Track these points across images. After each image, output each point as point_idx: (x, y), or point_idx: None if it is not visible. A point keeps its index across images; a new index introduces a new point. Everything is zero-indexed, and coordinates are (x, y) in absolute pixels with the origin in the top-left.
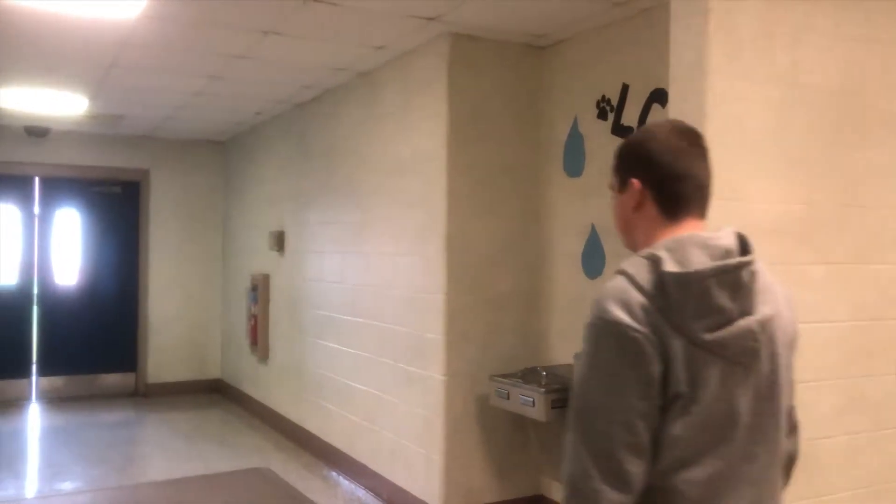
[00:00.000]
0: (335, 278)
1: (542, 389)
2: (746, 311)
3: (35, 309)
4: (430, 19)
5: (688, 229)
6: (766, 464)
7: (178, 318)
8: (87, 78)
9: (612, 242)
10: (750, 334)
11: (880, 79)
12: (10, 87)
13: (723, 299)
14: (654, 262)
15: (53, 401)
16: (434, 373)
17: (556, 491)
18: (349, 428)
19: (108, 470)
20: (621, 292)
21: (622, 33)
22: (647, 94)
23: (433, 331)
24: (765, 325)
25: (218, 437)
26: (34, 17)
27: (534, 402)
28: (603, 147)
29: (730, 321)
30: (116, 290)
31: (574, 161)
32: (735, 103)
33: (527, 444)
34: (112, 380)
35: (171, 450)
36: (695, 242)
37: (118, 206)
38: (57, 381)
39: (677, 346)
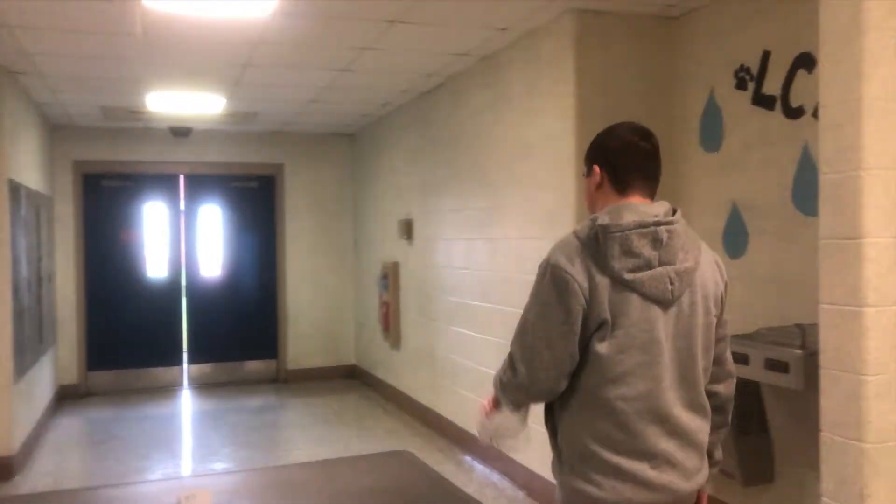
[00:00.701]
0: (463, 264)
1: None
2: (667, 262)
3: (184, 300)
4: None
5: (632, 200)
6: (688, 384)
7: (314, 307)
8: (224, 78)
9: (756, 219)
10: (665, 279)
11: None
12: (157, 91)
13: (643, 248)
14: (594, 220)
15: (202, 386)
16: None
17: None
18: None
19: (254, 452)
20: (565, 243)
21: None
22: (791, 60)
23: None
24: (682, 274)
25: (355, 422)
26: (177, 22)
27: None
28: (743, 119)
29: (649, 266)
30: (256, 280)
31: (711, 135)
32: None
33: None
34: (254, 366)
35: (312, 433)
36: (629, 208)
37: (255, 199)
38: (205, 368)
39: (603, 282)
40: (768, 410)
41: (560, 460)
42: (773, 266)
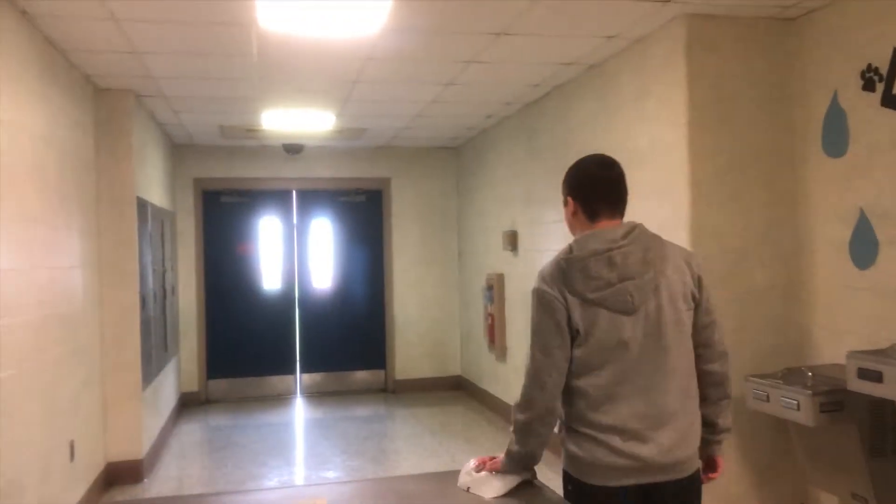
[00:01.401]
0: None
1: (809, 391)
2: (627, 278)
3: (297, 311)
4: (665, 2)
5: (600, 227)
6: (660, 372)
7: (420, 318)
8: (334, 95)
9: (887, 228)
10: (625, 293)
11: None
12: (271, 109)
13: (601, 271)
14: (566, 250)
15: (313, 395)
16: None
17: (827, 502)
18: None
19: (364, 461)
20: (546, 271)
21: None
22: None
23: None
24: (642, 286)
25: (462, 433)
26: (290, 43)
27: (798, 404)
28: (871, 122)
29: (609, 285)
30: (364, 292)
31: (835, 139)
32: None
33: (790, 450)
34: (363, 376)
35: (419, 444)
36: (593, 237)
37: (363, 213)
38: (316, 377)
39: (574, 301)
40: None
41: (562, 433)
42: None
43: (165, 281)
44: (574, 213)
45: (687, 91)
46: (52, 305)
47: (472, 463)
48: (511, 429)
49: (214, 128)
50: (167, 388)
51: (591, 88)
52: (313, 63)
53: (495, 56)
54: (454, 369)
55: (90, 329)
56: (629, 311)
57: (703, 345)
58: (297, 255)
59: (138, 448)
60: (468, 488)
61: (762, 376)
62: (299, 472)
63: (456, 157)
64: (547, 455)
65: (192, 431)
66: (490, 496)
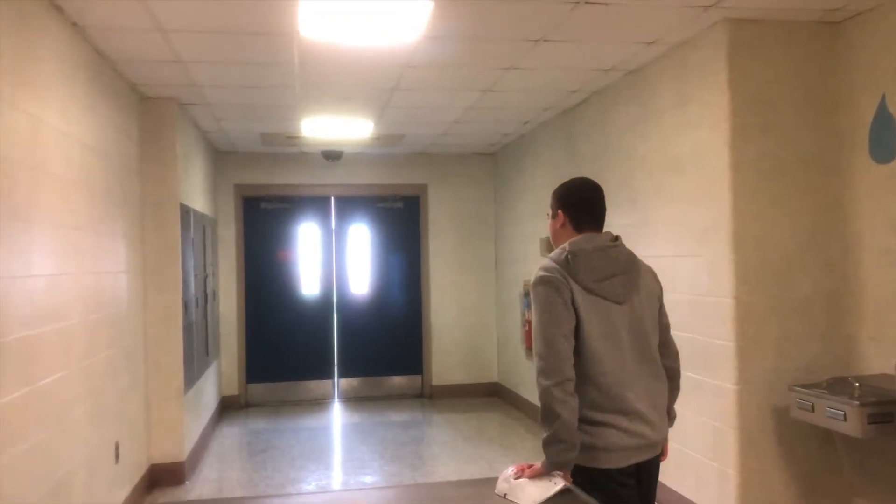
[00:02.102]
0: None
1: (856, 402)
2: (619, 273)
3: (335, 317)
4: (707, 7)
5: (587, 234)
6: (645, 360)
7: (457, 324)
8: (373, 102)
9: None
10: (618, 285)
11: None
12: (312, 117)
13: (601, 264)
14: (564, 249)
15: (351, 399)
16: (724, 381)
17: None
18: None
19: (402, 467)
20: (546, 266)
21: None
22: None
23: (721, 336)
24: (629, 281)
25: (499, 440)
26: (330, 51)
27: (845, 415)
28: None
29: (606, 277)
30: (402, 297)
31: (883, 144)
32: None
33: (836, 462)
34: (400, 381)
35: (456, 450)
36: (588, 239)
37: (400, 219)
38: (353, 382)
39: (577, 289)
40: None
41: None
42: None
43: (207, 286)
44: (562, 225)
45: (729, 96)
46: (99, 309)
47: (511, 470)
48: (540, 417)
49: (255, 135)
50: (208, 392)
51: (631, 94)
52: (353, 71)
53: (534, 62)
54: (491, 376)
55: (135, 333)
56: (620, 301)
57: (662, 343)
58: (335, 260)
59: (180, 450)
60: (505, 495)
61: (807, 386)
62: (337, 477)
63: (493, 162)
64: None
65: (232, 434)
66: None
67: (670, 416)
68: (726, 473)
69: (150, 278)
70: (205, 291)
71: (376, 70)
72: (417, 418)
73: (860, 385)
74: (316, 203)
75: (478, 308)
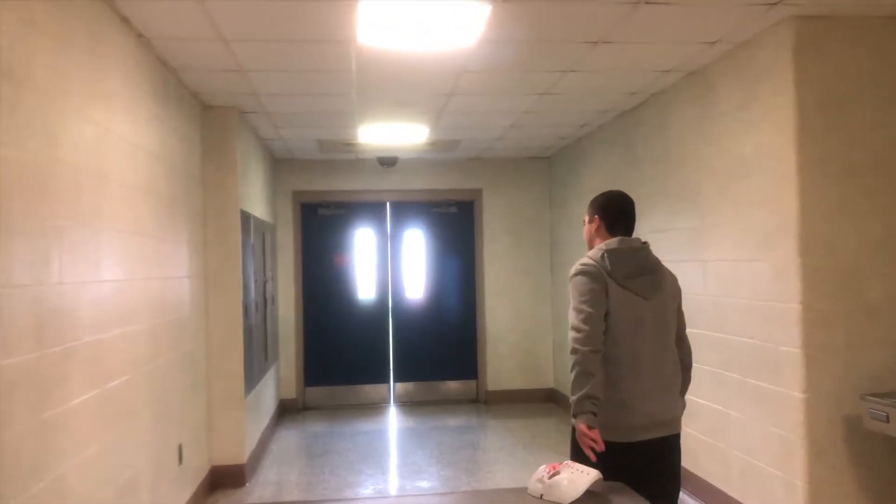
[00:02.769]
0: None
1: None
2: (647, 272)
3: (390, 321)
4: (773, 4)
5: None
6: (664, 350)
7: (512, 329)
8: (429, 108)
9: None
10: (647, 282)
11: None
12: (368, 124)
13: (632, 263)
14: (601, 248)
15: (406, 404)
16: (791, 389)
17: None
18: (692, 444)
19: (458, 472)
20: (587, 260)
21: None
22: None
23: (787, 343)
24: (655, 280)
25: (555, 446)
26: (388, 57)
27: None
28: None
29: (636, 275)
30: (456, 302)
31: None
32: None
33: None
34: (455, 386)
35: (512, 456)
36: (621, 241)
37: (455, 224)
38: (409, 387)
39: (611, 282)
40: None
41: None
42: None
43: (266, 291)
44: (597, 229)
45: (795, 96)
46: (163, 314)
47: (544, 470)
48: (573, 374)
49: (313, 142)
50: (267, 395)
51: (691, 95)
52: (409, 77)
53: (592, 65)
54: (547, 381)
55: (197, 337)
56: (647, 297)
57: (678, 339)
58: (390, 265)
59: (241, 452)
60: (542, 496)
61: (881, 395)
62: (394, 481)
63: (548, 166)
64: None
65: (290, 437)
66: (566, 502)
67: (682, 401)
68: (794, 484)
69: (212, 283)
70: (264, 296)
71: (433, 75)
72: (472, 423)
73: None
74: (371, 209)
75: (533, 313)
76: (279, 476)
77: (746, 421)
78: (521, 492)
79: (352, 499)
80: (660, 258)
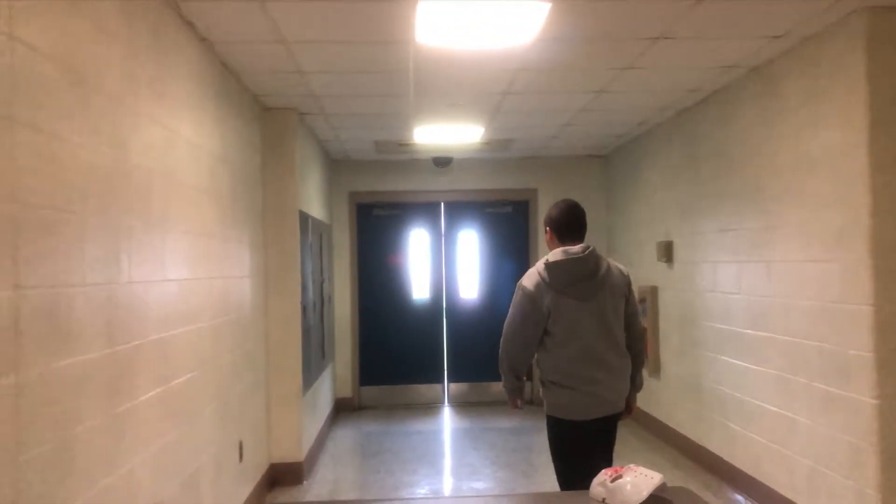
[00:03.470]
0: (732, 289)
1: None
2: (584, 279)
3: (444, 321)
4: None
5: (566, 246)
6: (607, 340)
7: None
8: (484, 107)
9: None
10: (584, 287)
11: None
12: (424, 125)
13: (570, 273)
14: (545, 261)
15: (460, 404)
16: (862, 395)
17: None
18: (756, 449)
19: (514, 474)
20: (530, 274)
21: None
22: None
23: (858, 346)
24: (595, 282)
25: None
26: (445, 57)
27: None
28: None
29: (576, 281)
30: (510, 303)
31: None
32: None
33: None
34: None
35: None
36: (564, 251)
37: (509, 224)
38: (462, 387)
39: (550, 292)
40: None
41: (542, 386)
42: None
43: (323, 290)
44: (551, 239)
45: (867, 91)
46: (226, 313)
47: (607, 474)
48: (499, 367)
49: (369, 143)
50: (324, 394)
51: (755, 92)
52: (465, 76)
53: (652, 61)
54: None
55: (257, 335)
56: (586, 299)
57: (627, 327)
58: (444, 265)
59: (298, 450)
60: (604, 500)
61: None
62: (448, 482)
63: (604, 165)
64: None
65: (346, 436)
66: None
67: (635, 384)
68: (865, 493)
69: (272, 283)
70: (321, 296)
71: (488, 74)
72: (527, 425)
73: None
74: (426, 209)
75: None
76: (336, 474)
77: (813, 426)
78: (583, 495)
79: (409, 499)
80: (720, 258)
